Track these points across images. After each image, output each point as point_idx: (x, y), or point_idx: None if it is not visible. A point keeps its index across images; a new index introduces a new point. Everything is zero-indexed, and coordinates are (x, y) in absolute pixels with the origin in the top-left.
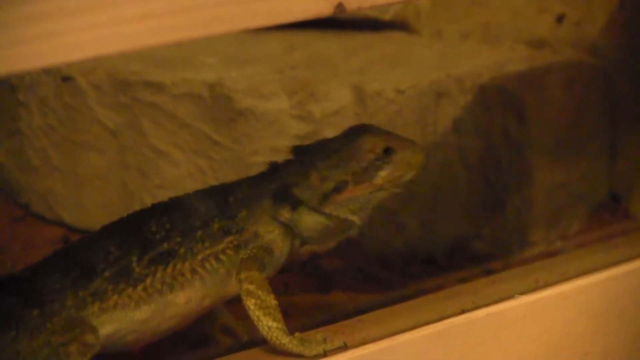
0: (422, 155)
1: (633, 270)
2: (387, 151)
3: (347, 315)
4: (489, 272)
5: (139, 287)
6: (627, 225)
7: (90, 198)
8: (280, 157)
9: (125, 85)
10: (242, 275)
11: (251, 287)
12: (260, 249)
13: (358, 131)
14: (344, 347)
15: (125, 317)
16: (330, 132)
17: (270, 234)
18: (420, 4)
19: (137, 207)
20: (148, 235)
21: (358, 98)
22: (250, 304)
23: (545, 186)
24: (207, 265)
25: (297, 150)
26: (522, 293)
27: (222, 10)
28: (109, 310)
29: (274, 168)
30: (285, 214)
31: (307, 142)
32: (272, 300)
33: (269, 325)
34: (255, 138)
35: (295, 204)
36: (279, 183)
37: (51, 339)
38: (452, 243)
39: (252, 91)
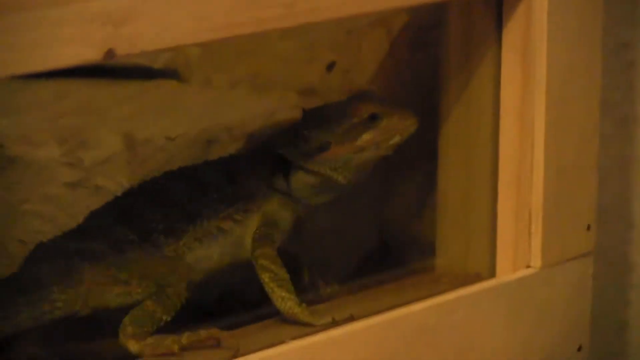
0: (411, 123)
1: (403, 316)
2: (374, 117)
3: None
4: (261, 318)
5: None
6: (397, 271)
7: None
8: (51, 205)
9: None
10: (256, 253)
11: (265, 263)
12: (267, 225)
13: (356, 97)
14: (352, 318)
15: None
16: (101, 180)
17: (270, 205)
18: (190, 53)
19: None
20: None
21: (128, 145)
22: (265, 277)
23: (317, 232)
24: (226, 225)
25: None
26: (294, 338)
27: None
28: None
29: (273, 136)
30: (281, 182)
31: (78, 188)
32: (284, 274)
33: (283, 295)
34: (25, 186)
35: (287, 168)
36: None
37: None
38: (221, 289)
39: (23, 139)
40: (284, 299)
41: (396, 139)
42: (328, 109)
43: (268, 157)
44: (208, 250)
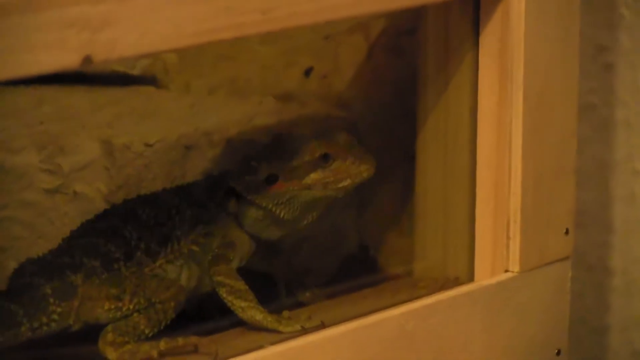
0: (364, 168)
1: (381, 320)
2: (325, 157)
3: None
4: (240, 323)
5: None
6: (376, 276)
7: None
8: (30, 211)
9: None
10: (211, 271)
11: (220, 279)
12: (222, 246)
13: (316, 135)
14: (322, 326)
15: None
16: (80, 186)
17: (229, 229)
18: (167, 59)
19: None
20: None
21: (107, 151)
22: (222, 292)
23: (296, 238)
24: (194, 247)
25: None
26: (273, 343)
27: None
28: None
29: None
30: (232, 207)
31: (57, 194)
32: (241, 285)
33: (242, 306)
34: (4, 192)
35: (239, 196)
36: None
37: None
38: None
39: (1, 146)
40: (243, 309)
41: (346, 183)
42: (285, 142)
43: (224, 184)
44: (178, 274)
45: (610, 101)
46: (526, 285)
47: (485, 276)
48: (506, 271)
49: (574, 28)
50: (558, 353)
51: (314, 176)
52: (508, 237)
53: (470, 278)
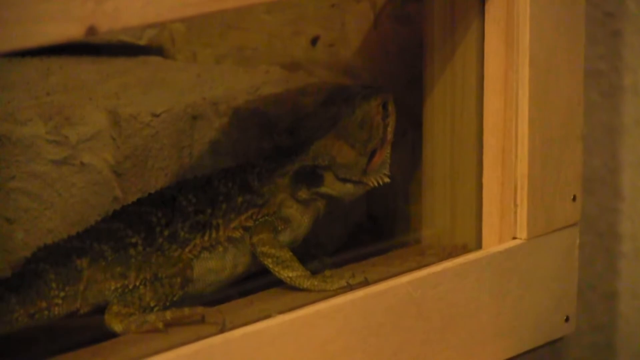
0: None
1: (389, 289)
2: (385, 105)
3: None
4: (246, 293)
5: (186, 249)
6: (384, 245)
7: None
8: (37, 183)
9: None
10: (254, 240)
11: (264, 249)
12: (275, 217)
13: (350, 96)
14: (366, 282)
15: None
16: (87, 157)
17: (289, 209)
18: (174, 29)
19: None
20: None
21: (113, 122)
22: (268, 263)
23: None
24: (236, 233)
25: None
26: (280, 312)
27: None
28: None
29: (287, 148)
30: (303, 195)
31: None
32: (285, 254)
33: (289, 275)
34: (12, 163)
35: (318, 182)
36: (299, 164)
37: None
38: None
39: (8, 117)
40: (291, 278)
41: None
42: (349, 117)
43: (290, 167)
44: (220, 261)
45: (618, 67)
46: (534, 252)
47: (493, 243)
48: (514, 238)
49: None
50: (567, 320)
51: (389, 129)
52: (515, 204)
53: (478, 245)
